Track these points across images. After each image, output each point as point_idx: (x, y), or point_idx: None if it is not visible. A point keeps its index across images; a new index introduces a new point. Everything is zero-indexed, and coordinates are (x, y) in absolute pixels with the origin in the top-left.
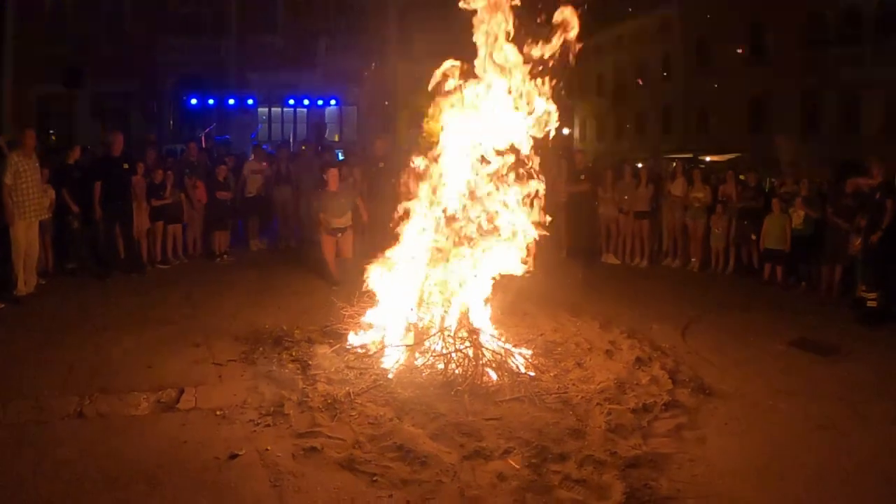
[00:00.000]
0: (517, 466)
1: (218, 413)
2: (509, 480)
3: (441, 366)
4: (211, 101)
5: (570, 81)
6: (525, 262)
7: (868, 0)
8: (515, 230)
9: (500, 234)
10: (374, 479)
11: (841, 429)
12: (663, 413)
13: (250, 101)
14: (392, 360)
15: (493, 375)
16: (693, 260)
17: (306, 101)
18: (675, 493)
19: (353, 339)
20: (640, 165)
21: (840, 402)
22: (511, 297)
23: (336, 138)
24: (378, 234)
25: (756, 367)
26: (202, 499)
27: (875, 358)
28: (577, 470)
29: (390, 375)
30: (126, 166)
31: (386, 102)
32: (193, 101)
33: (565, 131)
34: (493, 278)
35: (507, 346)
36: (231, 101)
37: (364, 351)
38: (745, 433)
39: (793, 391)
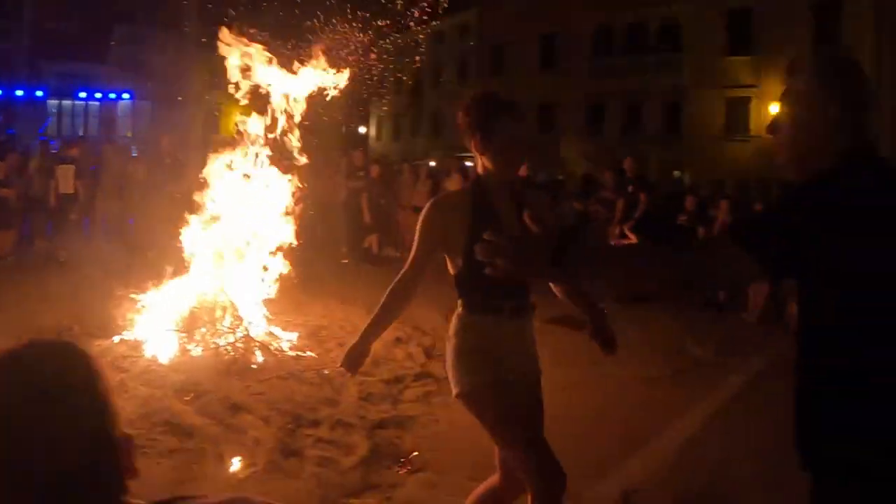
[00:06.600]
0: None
1: None
2: (265, 444)
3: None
4: None
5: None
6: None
7: (652, 15)
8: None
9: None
10: (144, 451)
11: (586, 387)
12: (414, 383)
13: (40, 93)
14: (166, 348)
15: (260, 357)
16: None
17: (98, 95)
18: (416, 447)
19: (130, 330)
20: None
21: (592, 367)
22: (285, 290)
23: (129, 134)
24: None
25: None
26: None
27: (631, 330)
28: (329, 432)
29: (164, 361)
30: None
31: (179, 98)
32: None
33: (361, 130)
34: (265, 271)
35: (273, 330)
36: (19, 93)
37: (140, 341)
38: None
39: (544, 360)
